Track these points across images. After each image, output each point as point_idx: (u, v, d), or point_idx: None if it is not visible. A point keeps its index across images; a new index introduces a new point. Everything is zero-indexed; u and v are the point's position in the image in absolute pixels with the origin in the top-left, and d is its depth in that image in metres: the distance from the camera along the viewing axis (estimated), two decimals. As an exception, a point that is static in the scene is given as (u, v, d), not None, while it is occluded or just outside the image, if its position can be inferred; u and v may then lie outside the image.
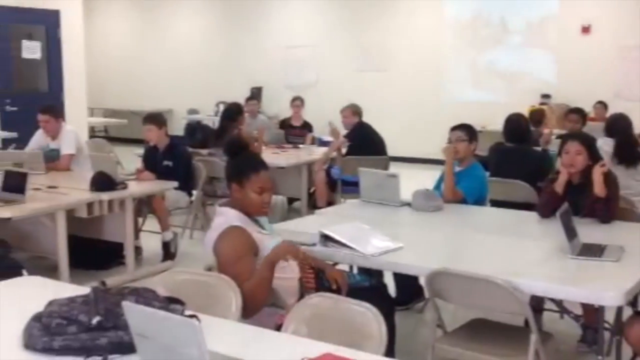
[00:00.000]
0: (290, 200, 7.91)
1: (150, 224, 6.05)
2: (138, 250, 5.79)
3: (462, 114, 8.36)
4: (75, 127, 6.69)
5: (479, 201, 4.46)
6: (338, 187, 6.81)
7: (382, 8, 11.75)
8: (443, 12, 11.44)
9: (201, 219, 6.52)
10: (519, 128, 5.42)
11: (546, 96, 10.51)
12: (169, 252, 5.76)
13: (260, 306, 2.75)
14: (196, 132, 8.36)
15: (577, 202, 3.68)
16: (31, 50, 9.81)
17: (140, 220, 5.96)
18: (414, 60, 11.55)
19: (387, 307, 2.96)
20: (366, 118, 7.18)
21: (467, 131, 4.53)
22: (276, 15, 12.86)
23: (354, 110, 7.05)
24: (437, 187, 4.54)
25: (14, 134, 6.55)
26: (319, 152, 7.67)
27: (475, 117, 7.94)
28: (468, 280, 2.85)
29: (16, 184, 4.64)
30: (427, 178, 5.17)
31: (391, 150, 7.14)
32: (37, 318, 2.11)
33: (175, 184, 5.62)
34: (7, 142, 6.45)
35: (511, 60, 11.01)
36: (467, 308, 3.49)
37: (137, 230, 5.85)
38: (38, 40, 9.93)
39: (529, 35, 10.90)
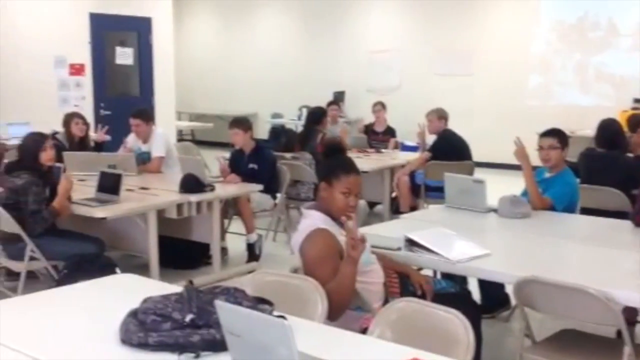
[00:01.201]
0: (372, 205, 7.91)
1: (236, 225, 6.17)
2: (224, 251, 5.92)
3: (549, 118, 8.14)
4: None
5: (570, 208, 4.33)
6: (421, 192, 6.76)
7: (468, 10, 11.59)
8: (539, 14, 11.17)
9: (284, 221, 6.60)
10: (613, 133, 5.24)
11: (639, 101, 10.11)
12: (253, 253, 5.86)
13: (344, 307, 2.76)
14: (280, 136, 8.49)
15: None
16: (124, 56, 10.22)
17: (226, 221, 6.10)
18: (501, 63, 11.30)
19: (474, 314, 2.91)
20: (451, 122, 7.09)
21: (559, 138, 4.39)
22: (359, 19, 12.89)
23: (440, 115, 6.97)
24: (525, 193, 4.44)
25: (107, 137, 6.80)
26: (402, 157, 7.65)
27: (563, 121, 7.71)
28: (559, 289, 2.78)
29: (111, 185, 4.83)
30: (513, 184, 5.06)
31: (476, 156, 7.03)
32: (133, 314, 2.19)
33: (260, 186, 5.70)
34: (99, 146, 6.72)
35: (603, 64, 10.65)
36: (556, 318, 3.40)
37: (223, 232, 5.98)
38: (130, 46, 10.34)
39: (622, 38, 10.52)
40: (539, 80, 11.22)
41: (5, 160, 5.31)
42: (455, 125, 7.13)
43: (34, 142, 4.63)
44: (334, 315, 2.69)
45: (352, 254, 2.71)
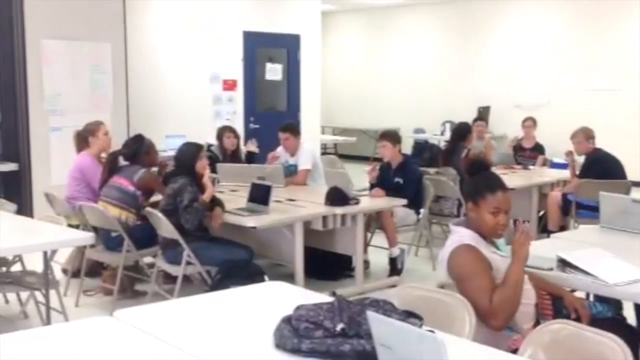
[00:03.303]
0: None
1: (378, 239, 6.20)
2: (366, 264, 5.97)
3: None
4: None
5: None
6: (572, 210, 6.48)
7: (620, 22, 11.00)
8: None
9: (427, 236, 6.55)
10: None
11: None
12: (395, 267, 5.86)
13: (513, 312, 2.74)
14: (424, 151, 8.47)
15: None
16: (274, 72, 10.61)
17: (368, 234, 6.14)
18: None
19: (633, 341, 2.75)
20: (603, 139, 6.74)
21: None
22: (505, 32, 12.60)
23: (587, 135, 6.60)
24: (690, 215, 4.14)
25: (255, 150, 7.07)
26: (550, 174, 7.38)
27: None
28: None
29: (261, 195, 5.02)
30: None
31: (632, 174, 6.64)
32: (287, 320, 2.26)
33: (405, 201, 5.70)
34: (250, 157, 6.99)
35: None
36: None
37: (366, 245, 6.03)
38: (279, 62, 10.71)
39: None
40: None
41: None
42: (607, 142, 6.77)
43: (190, 151, 4.90)
44: (501, 324, 2.70)
45: (519, 250, 2.71)
